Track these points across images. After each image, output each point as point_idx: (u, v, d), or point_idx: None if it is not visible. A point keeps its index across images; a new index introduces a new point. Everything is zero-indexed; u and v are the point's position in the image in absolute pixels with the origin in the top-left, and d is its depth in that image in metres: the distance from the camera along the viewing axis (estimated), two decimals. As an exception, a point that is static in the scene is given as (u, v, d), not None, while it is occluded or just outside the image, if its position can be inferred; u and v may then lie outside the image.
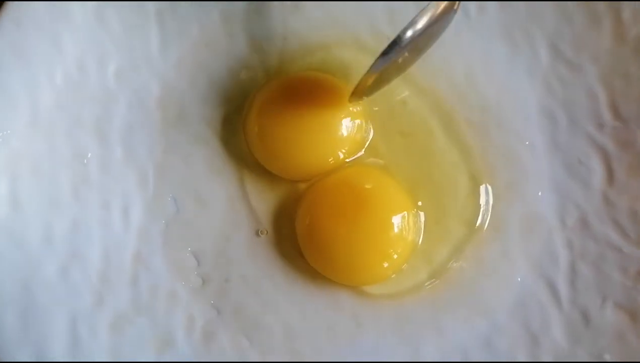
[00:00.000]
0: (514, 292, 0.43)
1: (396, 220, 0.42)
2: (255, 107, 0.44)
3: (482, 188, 0.44)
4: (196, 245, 0.43)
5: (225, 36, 0.45)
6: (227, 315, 0.43)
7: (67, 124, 0.43)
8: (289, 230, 0.44)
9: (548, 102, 0.45)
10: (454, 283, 0.43)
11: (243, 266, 0.43)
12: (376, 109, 0.45)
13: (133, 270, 0.42)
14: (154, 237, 0.43)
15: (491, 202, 0.44)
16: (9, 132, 0.42)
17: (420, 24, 0.37)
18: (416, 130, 0.45)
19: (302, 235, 0.43)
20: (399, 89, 0.45)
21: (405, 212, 0.43)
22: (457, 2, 0.38)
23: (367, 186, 0.43)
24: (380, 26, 0.45)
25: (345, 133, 0.44)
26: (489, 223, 0.44)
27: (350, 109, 0.44)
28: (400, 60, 0.39)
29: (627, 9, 0.44)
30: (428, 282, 0.43)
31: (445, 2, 0.38)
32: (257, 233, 0.44)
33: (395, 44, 0.37)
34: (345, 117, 0.44)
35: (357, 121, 0.44)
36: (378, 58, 0.38)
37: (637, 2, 0.43)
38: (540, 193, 0.44)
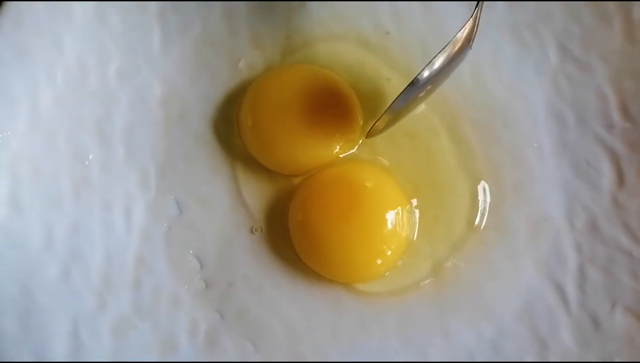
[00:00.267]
0: (520, 295, 0.42)
1: (390, 216, 0.42)
2: (250, 99, 0.44)
3: (484, 188, 0.44)
4: (199, 248, 0.43)
5: (227, 34, 0.45)
6: (231, 319, 0.42)
7: (68, 125, 0.43)
8: (283, 226, 0.44)
9: (556, 102, 0.44)
10: (458, 284, 0.43)
11: (245, 268, 0.43)
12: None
13: (135, 273, 0.42)
14: (156, 239, 0.43)
15: (493, 201, 0.44)
16: (9, 133, 0.41)
17: (437, 63, 0.38)
18: (420, 130, 0.44)
19: (295, 231, 0.43)
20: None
21: (399, 208, 0.42)
22: (473, 38, 0.39)
23: (361, 182, 0.43)
24: (383, 23, 0.45)
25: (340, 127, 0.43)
26: (494, 223, 0.43)
27: (345, 101, 0.44)
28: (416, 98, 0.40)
29: (637, 8, 0.43)
30: (429, 280, 0.43)
31: (462, 40, 0.38)
32: (252, 230, 0.44)
33: (412, 86, 0.38)
34: (340, 110, 0.43)
35: (353, 115, 0.44)
36: (395, 100, 0.39)
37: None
38: (547, 195, 0.44)
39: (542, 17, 0.44)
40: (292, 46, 0.45)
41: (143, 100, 0.44)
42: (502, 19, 0.45)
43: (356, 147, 0.44)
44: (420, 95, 0.40)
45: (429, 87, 0.40)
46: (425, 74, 0.38)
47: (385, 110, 0.40)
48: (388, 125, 0.41)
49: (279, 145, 0.43)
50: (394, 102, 0.39)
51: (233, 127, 0.45)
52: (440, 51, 0.38)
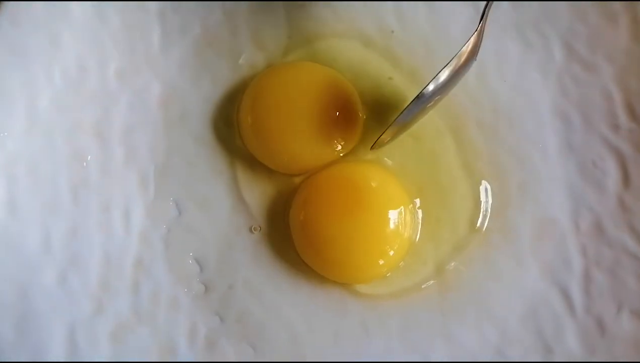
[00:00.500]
0: (524, 298, 0.42)
1: (392, 215, 0.42)
2: (250, 96, 0.44)
3: (488, 189, 0.44)
4: (199, 250, 0.43)
5: (228, 34, 0.45)
6: (231, 322, 0.42)
7: (67, 126, 0.43)
8: (284, 226, 0.43)
9: (562, 102, 0.44)
10: (461, 287, 0.43)
11: (245, 270, 0.43)
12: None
13: (134, 276, 0.42)
14: (155, 242, 0.43)
15: (497, 203, 0.43)
16: (6, 134, 0.41)
17: (443, 77, 0.38)
18: (424, 130, 0.44)
19: (296, 230, 0.43)
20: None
21: (402, 207, 0.42)
22: (477, 51, 0.39)
23: (363, 180, 0.43)
24: (387, 22, 0.45)
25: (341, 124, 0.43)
26: (498, 225, 0.43)
27: (346, 99, 0.43)
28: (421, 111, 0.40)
29: (644, 7, 0.43)
30: (431, 281, 0.43)
31: (467, 53, 0.39)
32: (251, 229, 0.43)
33: (418, 100, 0.38)
34: (341, 108, 0.43)
35: (354, 113, 0.44)
36: (401, 113, 0.39)
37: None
38: (552, 196, 0.43)
39: (548, 16, 0.44)
40: (294, 45, 0.45)
41: (142, 101, 0.44)
42: (507, 18, 0.44)
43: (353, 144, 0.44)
44: (428, 105, 0.40)
45: (436, 98, 0.40)
46: (431, 88, 0.38)
47: (391, 124, 0.40)
48: (393, 137, 0.42)
49: (279, 143, 0.43)
50: (399, 115, 0.39)
51: (233, 128, 0.45)
52: (446, 65, 0.38)
